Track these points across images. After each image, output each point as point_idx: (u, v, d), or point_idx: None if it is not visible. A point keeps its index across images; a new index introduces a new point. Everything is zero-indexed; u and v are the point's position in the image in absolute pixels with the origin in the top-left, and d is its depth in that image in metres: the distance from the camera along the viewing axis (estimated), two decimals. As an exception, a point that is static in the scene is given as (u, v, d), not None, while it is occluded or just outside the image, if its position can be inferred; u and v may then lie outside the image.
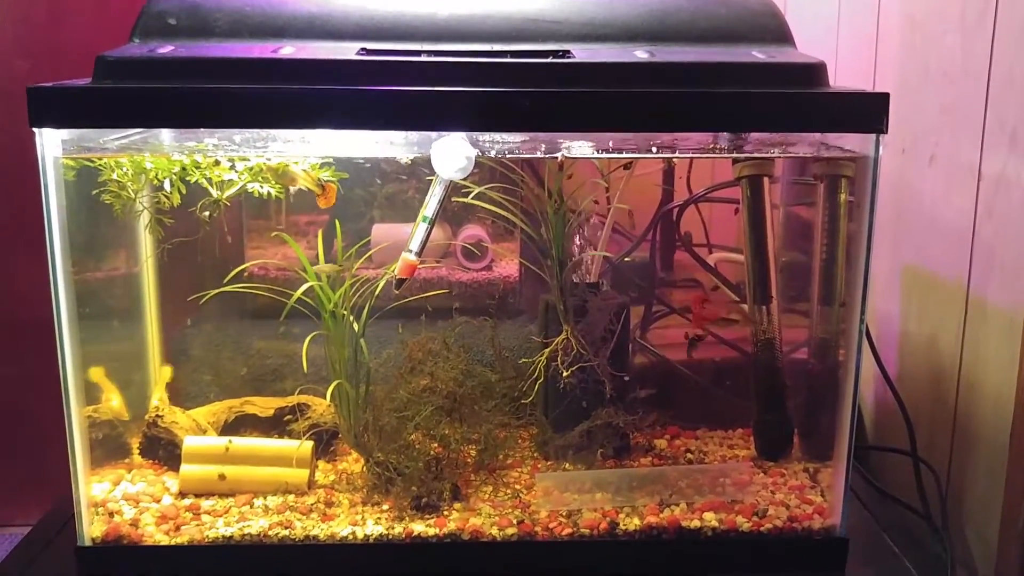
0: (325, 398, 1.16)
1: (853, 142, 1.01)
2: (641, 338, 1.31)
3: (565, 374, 1.10)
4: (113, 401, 1.11)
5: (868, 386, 1.39)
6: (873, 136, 0.97)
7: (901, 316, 1.31)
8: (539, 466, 1.17)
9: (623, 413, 1.12)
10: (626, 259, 1.32)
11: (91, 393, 1.06)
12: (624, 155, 1.09)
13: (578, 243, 1.17)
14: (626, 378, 1.16)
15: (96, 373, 1.06)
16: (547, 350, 1.12)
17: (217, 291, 1.10)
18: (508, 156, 1.04)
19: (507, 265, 1.36)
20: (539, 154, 1.02)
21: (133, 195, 1.05)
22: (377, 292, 1.10)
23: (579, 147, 1.02)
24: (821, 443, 1.15)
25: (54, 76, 1.32)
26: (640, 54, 0.99)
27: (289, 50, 0.97)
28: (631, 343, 1.22)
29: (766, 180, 1.16)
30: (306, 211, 1.26)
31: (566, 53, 0.99)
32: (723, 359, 1.29)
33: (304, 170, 1.06)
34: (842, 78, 1.40)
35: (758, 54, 1.00)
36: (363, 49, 0.98)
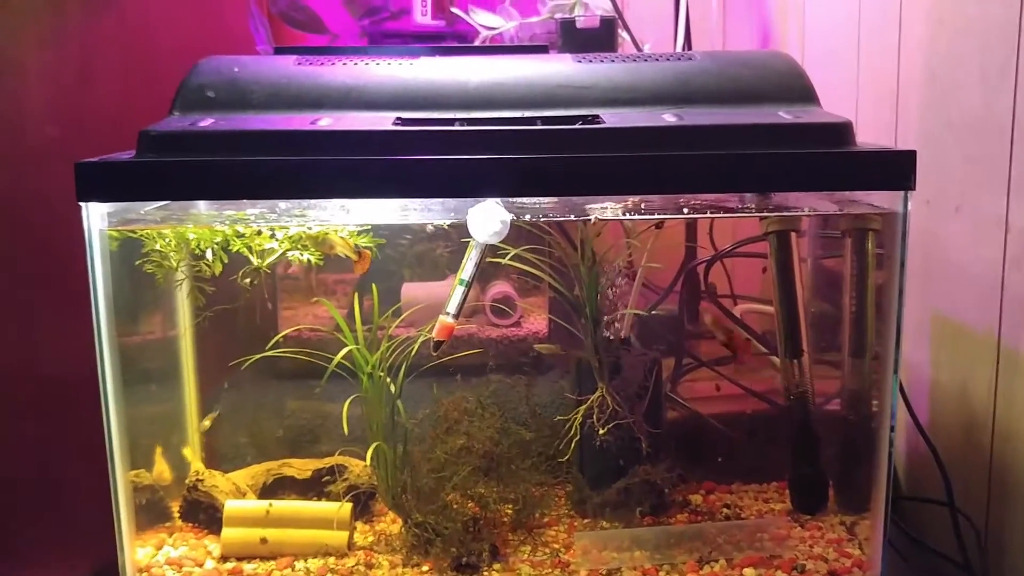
0: (361, 459, 1.17)
1: (880, 198, 1.03)
2: (671, 392, 1.32)
3: (601, 432, 1.11)
4: (164, 473, 1.13)
5: (900, 435, 1.38)
6: (901, 193, 0.99)
7: (931, 365, 1.32)
8: (575, 524, 1.18)
9: (660, 470, 1.13)
10: (653, 312, 1.33)
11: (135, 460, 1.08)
12: (655, 216, 1.11)
13: (610, 300, 1.18)
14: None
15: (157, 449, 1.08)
16: (582, 407, 1.13)
17: (259, 356, 1.12)
18: (543, 219, 1.06)
19: (535, 321, 1.37)
20: (572, 217, 1.04)
21: (175, 265, 1.07)
22: (413, 353, 1.12)
23: (605, 206, 1.04)
24: (856, 495, 1.15)
25: (82, 141, 1.34)
26: (668, 117, 1.01)
27: (327, 121, 0.99)
28: (664, 398, 1.23)
29: (793, 235, 1.18)
30: (334, 270, 1.28)
31: (595, 118, 1.01)
32: (755, 412, 1.29)
33: (342, 237, 1.08)
34: (863, 131, 1.42)
35: (784, 114, 1.02)
36: (399, 119, 1.00)
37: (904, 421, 1.31)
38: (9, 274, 1.37)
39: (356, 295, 1.16)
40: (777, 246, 1.18)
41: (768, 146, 0.97)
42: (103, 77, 1.51)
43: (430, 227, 1.18)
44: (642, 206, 1.04)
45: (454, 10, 1.54)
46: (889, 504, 1.05)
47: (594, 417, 1.12)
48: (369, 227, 1.12)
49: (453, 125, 1.00)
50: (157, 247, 1.07)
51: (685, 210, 1.05)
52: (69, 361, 1.37)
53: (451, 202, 1.00)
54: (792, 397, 1.20)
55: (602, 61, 1.10)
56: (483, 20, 1.52)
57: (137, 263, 1.08)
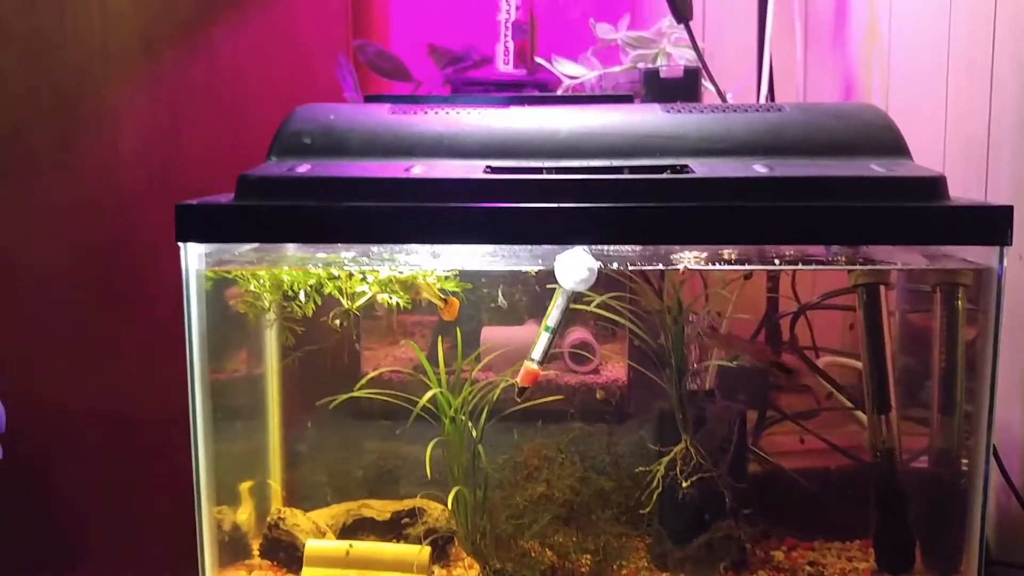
0: (440, 502, 1.17)
1: (974, 253, 1.01)
2: (753, 445, 1.30)
3: (685, 485, 1.09)
4: (246, 510, 1.15)
5: (990, 495, 1.34)
6: (996, 248, 0.97)
7: (1023, 423, 1.28)
8: (655, 577, 1.16)
9: (744, 525, 1.11)
10: (736, 362, 1.32)
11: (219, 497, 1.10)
12: (744, 266, 1.10)
13: (696, 350, 1.17)
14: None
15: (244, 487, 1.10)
16: (665, 459, 1.12)
17: (347, 396, 1.14)
18: (630, 268, 1.06)
19: (614, 368, 1.37)
20: (660, 265, 1.04)
21: (267, 305, 1.10)
22: (495, 397, 1.12)
23: (695, 255, 1.04)
24: (944, 556, 1.12)
25: (170, 185, 1.39)
26: (759, 168, 1.00)
27: (420, 169, 1.01)
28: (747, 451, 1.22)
29: (883, 288, 1.16)
30: (413, 312, 1.29)
31: (684, 167, 1.01)
32: (840, 467, 1.27)
33: (429, 282, 1.10)
34: (950, 183, 1.40)
35: (876, 167, 1.01)
36: (488, 167, 1.02)
37: (995, 481, 1.27)
38: (94, 313, 1.42)
39: (439, 338, 1.17)
40: (866, 299, 1.16)
41: (861, 199, 0.97)
42: (193, 123, 1.56)
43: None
44: (733, 257, 1.03)
45: (537, 59, 1.56)
46: (983, 568, 1.01)
47: (677, 469, 1.10)
48: (457, 272, 1.13)
49: (542, 173, 1.01)
50: (251, 287, 1.10)
51: (776, 261, 1.04)
52: (145, 401, 1.40)
53: (539, 248, 1.01)
54: (879, 453, 1.18)
55: (690, 111, 1.11)
56: (565, 69, 1.53)
57: (231, 303, 1.11)
